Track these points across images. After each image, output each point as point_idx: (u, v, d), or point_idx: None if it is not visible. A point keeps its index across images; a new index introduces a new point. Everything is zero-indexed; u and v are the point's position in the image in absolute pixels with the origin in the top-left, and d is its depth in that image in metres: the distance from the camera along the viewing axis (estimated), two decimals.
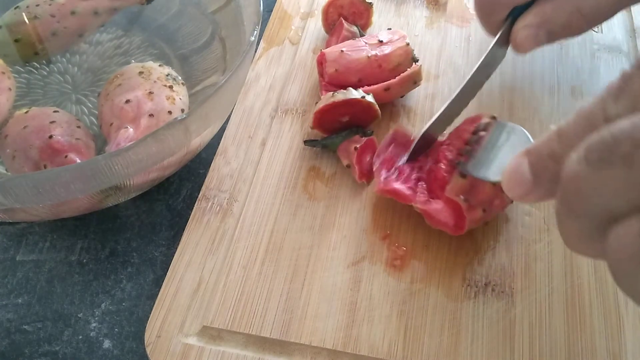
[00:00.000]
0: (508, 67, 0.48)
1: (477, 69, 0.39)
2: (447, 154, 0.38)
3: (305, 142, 0.42)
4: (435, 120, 0.38)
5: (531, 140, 0.31)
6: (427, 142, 0.40)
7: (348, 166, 0.41)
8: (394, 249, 0.38)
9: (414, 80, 0.43)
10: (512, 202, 0.38)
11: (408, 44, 0.44)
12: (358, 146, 0.40)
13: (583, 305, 0.36)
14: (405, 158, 0.39)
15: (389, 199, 0.40)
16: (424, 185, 0.38)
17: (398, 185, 0.38)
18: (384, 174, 0.39)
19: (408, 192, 0.38)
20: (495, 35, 0.40)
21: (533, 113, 0.45)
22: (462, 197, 0.35)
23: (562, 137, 0.22)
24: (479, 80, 0.40)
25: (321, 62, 0.44)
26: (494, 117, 0.37)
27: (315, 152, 0.43)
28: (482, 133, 0.35)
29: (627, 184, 0.18)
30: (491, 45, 0.39)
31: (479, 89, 0.41)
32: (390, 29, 0.45)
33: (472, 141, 0.35)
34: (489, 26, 0.40)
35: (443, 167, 0.37)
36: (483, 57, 0.39)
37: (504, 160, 0.32)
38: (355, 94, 0.40)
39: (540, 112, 0.45)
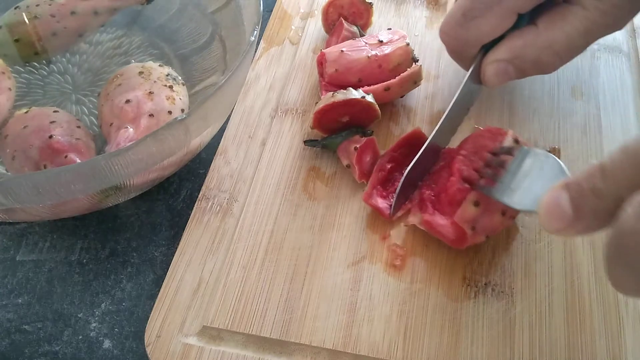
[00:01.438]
0: None
1: (454, 104, 0.38)
2: (462, 169, 0.36)
3: (305, 142, 0.42)
4: (414, 164, 0.38)
5: (565, 170, 0.30)
6: (410, 181, 0.39)
7: (348, 166, 0.41)
8: (393, 249, 0.38)
9: (414, 80, 0.43)
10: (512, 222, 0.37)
11: (408, 44, 0.44)
12: (358, 146, 0.40)
13: (583, 305, 0.36)
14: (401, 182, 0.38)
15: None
16: (429, 194, 0.38)
17: (381, 203, 0.38)
18: (376, 182, 0.39)
19: (387, 210, 0.38)
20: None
21: (533, 113, 0.45)
22: (469, 225, 0.34)
23: (607, 175, 0.21)
24: (457, 115, 0.39)
25: (321, 62, 0.44)
26: (517, 141, 0.35)
27: (315, 152, 0.43)
28: (505, 156, 0.33)
29: None
30: (464, 81, 0.38)
31: (459, 125, 0.41)
32: (390, 29, 0.45)
33: (495, 163, 0.34)
34: (463, 63, 0.39)
35: (456, 182, 0.35)
36: (458, 93, 0.38)
37: (534, 189, 0.30)
38: (355, 94, 0.40)
39: (540, 112, 0.45)
